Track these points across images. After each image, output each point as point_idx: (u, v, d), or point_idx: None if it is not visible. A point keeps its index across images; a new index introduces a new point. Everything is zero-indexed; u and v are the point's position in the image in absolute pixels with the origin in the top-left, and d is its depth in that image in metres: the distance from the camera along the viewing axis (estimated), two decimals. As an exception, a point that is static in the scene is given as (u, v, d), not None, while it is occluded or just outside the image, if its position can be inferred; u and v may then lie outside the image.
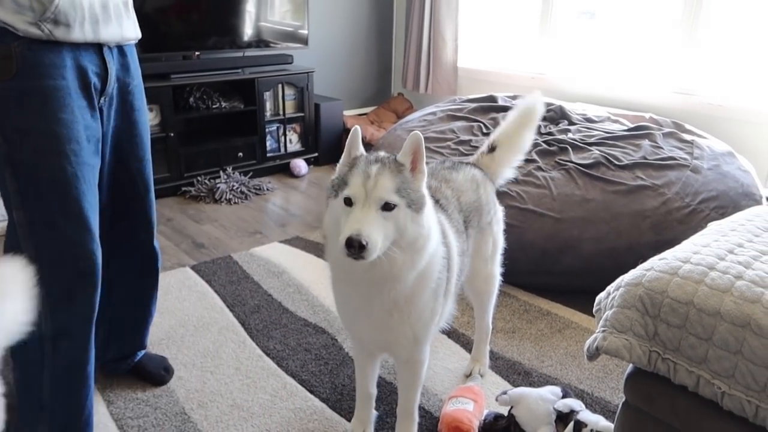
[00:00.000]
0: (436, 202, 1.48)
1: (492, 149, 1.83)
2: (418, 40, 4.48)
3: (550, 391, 1.75)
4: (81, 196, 1.36)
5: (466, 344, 2.08)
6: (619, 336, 1.21)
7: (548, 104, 3.33)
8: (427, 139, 2.95)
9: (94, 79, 1.40)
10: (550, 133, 2.94)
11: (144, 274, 1.80)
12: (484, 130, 3.02)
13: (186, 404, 1.79)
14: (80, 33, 1.32)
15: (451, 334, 2.16)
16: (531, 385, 1.86)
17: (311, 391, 1.85)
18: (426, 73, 4.52)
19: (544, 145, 2.73)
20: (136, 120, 1.59)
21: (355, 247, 1.10)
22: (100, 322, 1.55)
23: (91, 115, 1.40)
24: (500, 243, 1.82)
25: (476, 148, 2.79)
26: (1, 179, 1.33)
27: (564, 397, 1.74)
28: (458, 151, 2.80)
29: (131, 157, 1.61)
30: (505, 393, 1.74)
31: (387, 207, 1.16)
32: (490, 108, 3.27)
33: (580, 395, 1.83)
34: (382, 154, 1.27)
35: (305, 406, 1.79)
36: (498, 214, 1.79)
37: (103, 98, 1.45)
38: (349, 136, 1.29)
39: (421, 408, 1.76)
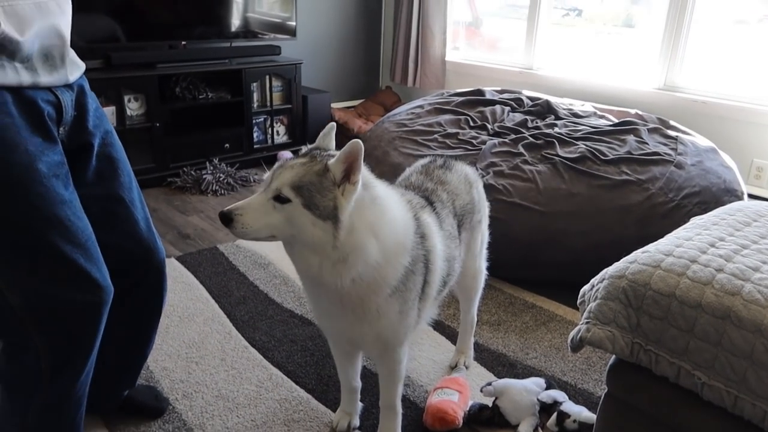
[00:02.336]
0: (431, 204, 1.47)
1: None
2: (406, 34, 4.48)
3: (534, 383, 1.77)
4: (64, 234, 1.19)
5: (452, 336, 2.09)
6: (602, 328, 1.23)
7: (535, 99, 3.35)
8: (414, 131, 2.95)
9: (48, 108, 1.19)
10: (537, 128, 2.95)
11: (146, 317, 1.59)
12: (471, 124, 3.03)
13: (171, 395, 1.78)
14: (14, 77, 1.12)
15: (437, 326, 2.17)
16: (515, 376, 1.88)
17: (297, 382, 1.85)
18: (414, 66, 4.51)
19: (531, 139, 2.74)
20: (110, 143, 1.39)
21: (224, 220, 1.16)
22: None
23: (52, 150, 1.20)
24: (486, 238, 1.83)
25: (463, 141, 2.80)
26: None
27: (548, 388, 1.77)
28: (445, 144, 2.80)
29: (116, 183, 1.40)
30: (489, 384, 1.76)
31: (279, 199, 1.15)
32: (478, 102, 3.28)
33: (564, 387, 1.85)
34: (328, 152, 1.23)
35: (291, 396, 1.79)
36: (485, 210, 1.80)
37: (62, 128, 1.25)
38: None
39: (406, 399, 1.77)
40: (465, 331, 1.94)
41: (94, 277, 1.25)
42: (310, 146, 1.28)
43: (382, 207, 1.24)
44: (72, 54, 1.29)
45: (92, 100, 1.36)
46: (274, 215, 1.16)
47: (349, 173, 1.15)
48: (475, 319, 1.94)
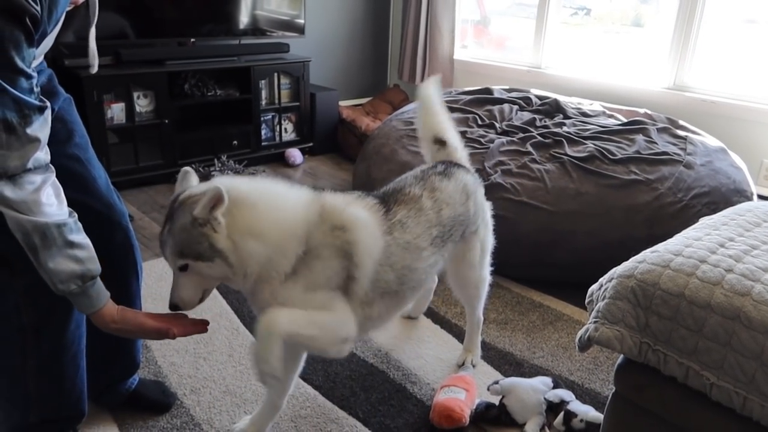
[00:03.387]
0: (387, 210, 1.42)
1: (442, 143, 1.77)
2: (414, 32, 4.47)
3: (541, 382, 1.77)
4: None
5: (458, 334, 2.09)
6: (610, 327, 1.22)
7: (544, 97, 3.34)
8: (422, 130, 2.95)
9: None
10: (545, 126, 2.95)
11: (123, 283, 1.55)
12: (479, 122, 3.03)
13: (179, 390, 1.80)
14: None
15: (444, 324, 2.17)
16: (522, 375, 1.88)
17: (304, 379, 1.86)
18: (422, 64, 4.51)
19: (539, 138, 2.74)
20: (64, 108, 1.41)
21: (172, 309, 1.28)
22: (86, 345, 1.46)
23: None
24: (489, 244, 1.80)
25: (471, 140, 2.80)
26: None
27: (555, 387, 1.77)
28: (453, 143, 2.80)
29: (71, 143, 1.42)
30: (496, 383, 1.76)
31: (181, 269, 1.24)
32: (486, 100, 3.28)
33: (571, 386, 1.85)
34: (182, 199, 1.24)
35: (298, 393, 1.80)
36: (486, 216, 1.76)
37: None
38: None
39: (413, 396, 1.78)
40: (472, 330, 1.94)
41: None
42: (171, 198, 1.29)
43: (246, 205, 1.24)
44: None
45: (45, 75, 1.37)
46: (192, 280, 1.25)
47: (213, 211, 1.19)
48: (482, 318, 1.94)
